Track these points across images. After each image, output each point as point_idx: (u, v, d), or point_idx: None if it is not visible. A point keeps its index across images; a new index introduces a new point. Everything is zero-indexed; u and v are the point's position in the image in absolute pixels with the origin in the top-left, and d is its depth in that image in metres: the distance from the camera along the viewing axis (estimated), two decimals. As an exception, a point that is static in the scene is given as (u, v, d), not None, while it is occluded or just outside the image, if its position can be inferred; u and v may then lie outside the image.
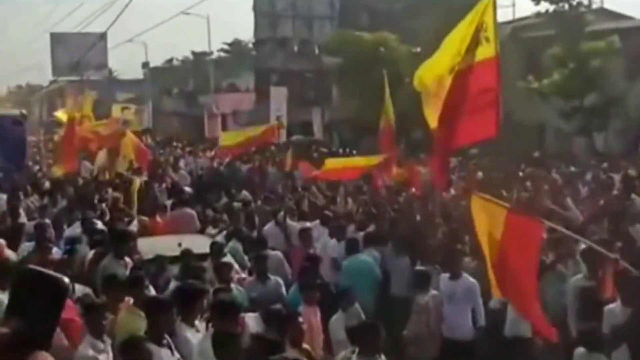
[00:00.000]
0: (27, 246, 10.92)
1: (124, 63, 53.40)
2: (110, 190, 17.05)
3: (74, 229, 12.05)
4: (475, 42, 9.27)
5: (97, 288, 8.20)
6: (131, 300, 7.16)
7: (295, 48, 44.71)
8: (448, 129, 9.60)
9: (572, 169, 20.88)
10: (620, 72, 28.66)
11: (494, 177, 18.80)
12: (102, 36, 44.64)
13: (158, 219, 14.15)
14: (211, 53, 50.59)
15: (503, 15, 37.59)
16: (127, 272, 8.54)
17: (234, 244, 11.42)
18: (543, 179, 17.03)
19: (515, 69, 26.14)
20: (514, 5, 37.13)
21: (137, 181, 16.77)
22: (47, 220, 12.58)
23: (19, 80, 58.01)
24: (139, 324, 6.38)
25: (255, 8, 45.54)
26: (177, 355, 6.18)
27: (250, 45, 49.34)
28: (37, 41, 47.59)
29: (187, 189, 18.91)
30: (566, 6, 30.69)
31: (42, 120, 44.25)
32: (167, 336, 6.18)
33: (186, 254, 9.57)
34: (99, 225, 12.21)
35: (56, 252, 10.01)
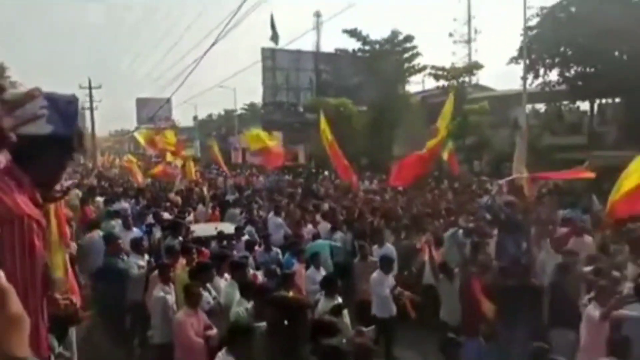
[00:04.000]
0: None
1: (183, 116, 54.28)
2: (172, 195, 16.58)
3: (150, 219, 11.68)
4: None
5: (162, 256, 8.18)
6: (184, 261, 7.26)
7: (290, 108, 45.17)
8: None
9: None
10: (488, 124, 29.13)
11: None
12: (168, 100, 45.33)
13: (217, 212, 13.77)
14: (236, 110, 50.38)
15: (415, 87, 38.33)
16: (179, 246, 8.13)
17: (249, 228, 11.06)
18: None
19: (424, 123, 26.56)
20: (423, 82, 37.42)
21: (201, 189, 17.09)
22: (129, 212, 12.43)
23: (115, 127, 58.28)
24: (186, 277, 6.39)
25: (263, 82, 45.57)
26: (213, 293, 6.22)
27: (260, 106, 49.59)
28: (127, 102, 47.75)
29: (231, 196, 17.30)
30: (455, 82, 31.39)
31: (130, 150, 44.60)
32: (208, 284, 6.26)
33: (220, 234, 9.50)
34: (166, 216, 11.90)
35: (138, 232, 9.84)
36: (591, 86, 27.25)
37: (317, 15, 45.82)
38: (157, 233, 10.32)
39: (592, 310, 5.69)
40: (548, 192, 15.68)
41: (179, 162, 20.08)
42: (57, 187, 2.69)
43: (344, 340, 4.09)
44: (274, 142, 16.41)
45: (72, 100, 1.23)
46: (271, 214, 12.59)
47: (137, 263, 7.85)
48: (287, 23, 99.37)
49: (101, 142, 39.79)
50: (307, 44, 46.63)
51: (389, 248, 8.89)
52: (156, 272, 6.86)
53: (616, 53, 25.03)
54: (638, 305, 5.46)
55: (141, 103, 50.85)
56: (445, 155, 16.13)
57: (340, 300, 6.13)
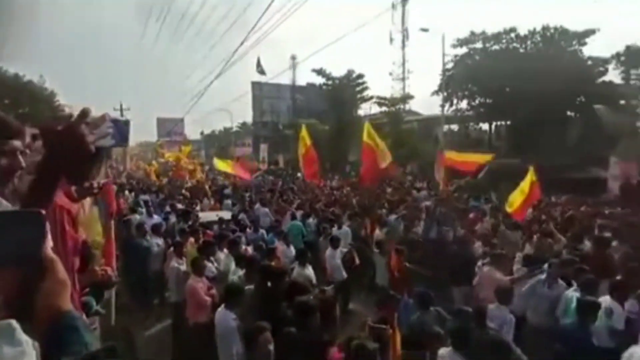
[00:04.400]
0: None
1: (192, 131, 53.17)
2: (183, 190, 16.17)
3: (167, 209, 11.47)
4: None
5: (175, 236, 7.75)
6: (193, 240, 7.05)
7: (273, 126, 44.97)
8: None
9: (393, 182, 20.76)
10: (416, 139, 28.97)
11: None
12: (181, 120, 44.71)
13: (217, 204, 13.44)
14: (232, 128, 50.24)
15: (364, 112, 38.45)
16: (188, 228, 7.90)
17: (242, 215, 10.61)
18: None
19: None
20: (370, 108, 37.55)
21: (204, 186, 16.92)
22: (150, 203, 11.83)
23: (140, 139, 56.61)
24: (195, 252, 6.20)
25: (253, 107, 45.53)
26: (215, 264, 6.02)
27: (251, 125, 49.20)
28: (148, 120, 46.17)
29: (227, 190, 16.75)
30: (393, 109, 31.73)
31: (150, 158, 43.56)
32: (211, 257, 6.05)
33: (220, 219, 9.19)
34: (179, 206, 11.53)
35: (157, 219, 9.43)
36: (490, 112, 28.06)
37: (293, 58, 46.37)
38: (173, 219, 10.08)
39: (488, 271, 5.72)
40: (460, 188, 16.00)
41: (190, 166, 19.78)
42: (95, 184, 2.64)
43: (312, 297, 4.07)
44: (230, 166, 16.06)
45: (127, 122, 1.29)
46: (258, 204, 12.35)
47: (157, 242, 7.75)
48: (271, 63, 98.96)
49: (130, 150, 38.65)
50: (285, 79, 46.50)
51: (345, 229, 8.78)
52: (172, 248, 6.76)
53: (507, 89, 25.73)
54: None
55: (160, 121, 49.89)
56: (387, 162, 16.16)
57: (310, 268, 6.05)
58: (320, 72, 38.87)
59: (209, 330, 4.25)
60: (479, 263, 6.21)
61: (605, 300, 4.39)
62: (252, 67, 40.48)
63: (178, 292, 5.94)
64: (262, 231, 9.20)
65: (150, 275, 7.51)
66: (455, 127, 32.51)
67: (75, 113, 1.05)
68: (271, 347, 3.19)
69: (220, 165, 16.24)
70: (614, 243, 6.32)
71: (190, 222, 8.96)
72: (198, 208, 12.08)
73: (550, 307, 4.90)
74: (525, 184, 7.28)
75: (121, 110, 36.46)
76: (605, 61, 25.88)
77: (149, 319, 6.97)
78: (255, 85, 43.97)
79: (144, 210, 10.55)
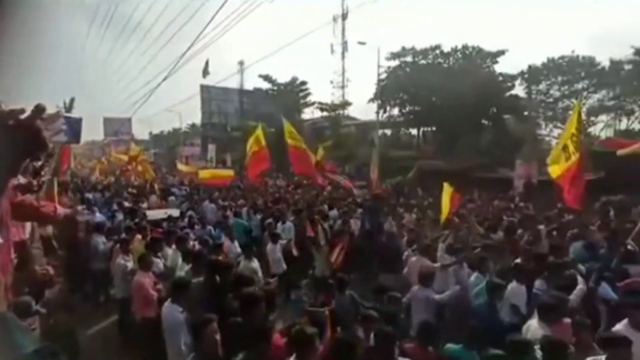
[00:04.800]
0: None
1: (139, 132, 50.03)
2: (130, 189, 15.35)
3: (115, 206, 10.71)
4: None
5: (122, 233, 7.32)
6: (139, 236, 6.76)
7: (221, 128, 43.78)
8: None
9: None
10: (354, 142, 29.37)
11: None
12: (129, 120, 42.13)
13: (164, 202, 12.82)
14: (181, 129, 48.09)
15: (307, 116, 38.59)
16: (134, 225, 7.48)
17: (190, 212, 10.16)
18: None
19: (313, 141, 26.47)
20: (312, 112, 37.76)
21: (152, 184, 16.02)
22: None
23: (86, 138, 51.81)
24: (142, 248, 5.91)
25: (202, 109, 44.21)
26: (162, 260, 5.81)
27: (200, 126, 47.60)
28: (94, 119, 42.61)
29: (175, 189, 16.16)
30: (334, 114, 32.24)
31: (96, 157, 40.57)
32: (159, 253, 5.83)
33: (169, 216, 8.87)
34: (126, 204, 11.01)
35: (100, 217, 8.99)
36: (418, 119, 29.36)
37: (241, 63, 45.34)
38: (120, 217, 9.57)
39: (416, 260, 5.89)
40: (393, 185, 16.58)
41: (140, 168, 18.72)
42: (35, 182, 2.45)
43: (257, 288, 4.03)
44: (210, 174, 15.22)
45: (79, 120, 1.20)
46: (206, 202, 12.04)
47: (102, 241, 7.28)
48: (220, 67, 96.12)
49: (75, 148, 35.73)
50: (233, 83, 45.51)
51: (289, 225, 8.64)
52: (118, 245, 6.42)
53: (433, 99, 27.08)
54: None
55: (107, 121, 46.35)
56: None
57: (256, 261, 5.95)
58: (266, 77, 38.70)
59: (157, 325, 4.08)
60: (406, 253, 6.44)
61: (512, 283, 4.69)
62: (200, 70, 39.03)
63: (124, 288, 5.63)
64: (210, 227, 8.95)
65: (96, 273, 7.06)
66: (388, 131, 33.58)
67: (8, 109, 0.96)
68: (218, 337, 3.12)
69: (203, 175, 14.91)
70: (519, 231, 6.86)
71: (137, 220, 8.53)
72: (145, 205, 11.54)
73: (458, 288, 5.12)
74: (446, 197, 7.53)
75: (66, 108, 33.68)
76: (512, 78, 28.13)
77: (94, 317, 6.56)
78: (204, 88, 42.72)
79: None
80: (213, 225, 9.10)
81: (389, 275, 6.29)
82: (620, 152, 5.61)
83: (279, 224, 8.66)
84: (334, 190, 15.90)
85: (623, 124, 28.14)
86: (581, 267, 5.21)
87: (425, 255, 5.98)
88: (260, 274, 5.79)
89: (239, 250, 6.84)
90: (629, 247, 5.11)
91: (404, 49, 29.29)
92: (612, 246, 5.55)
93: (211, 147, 33.89)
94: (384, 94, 28.87)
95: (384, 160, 15.54)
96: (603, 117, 28.66)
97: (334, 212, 9.94)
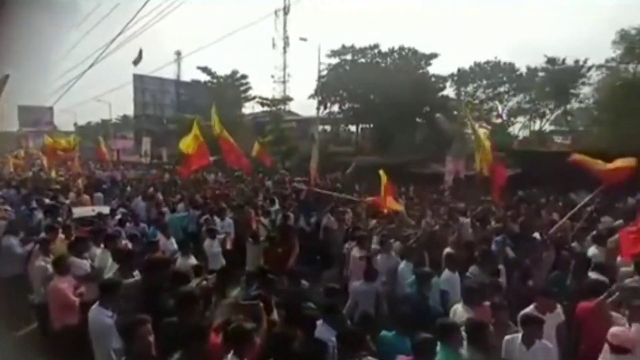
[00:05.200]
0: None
1: (63, 123, 45.35)
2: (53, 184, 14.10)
3: (33, 204, 9.80)
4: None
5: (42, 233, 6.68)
6: (62, 236, 6.42)
7: (156, 120, 41.48)
8: None
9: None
10: (295, 137, 29.00)
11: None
12: (50, 109, 38.28)
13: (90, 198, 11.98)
14: (111, 120, 44.74)
15: (248, 110, 37.96)
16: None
17: (122, 209, 9.66)
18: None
19: (253, 135, 26.03)
20: (253, 107, 37.20)
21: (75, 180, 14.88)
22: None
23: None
24: (64, 247, 5.69)
25: (134, 100, 41.59)
26: (89, 261, 5.47)
27: (132, 117, 44.75)
28: (11, 110, 37.49)
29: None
30: (274, 109, 31.96)
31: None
32: (85, 254, 5.50)
33: (98, 214, 8.47)
34: (47, 201, 10.14)
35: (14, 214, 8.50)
36: (357, 116, 30.07)
37: (178, 53, 43.66)
38: (39, 215, 8.82)
39: (356, 252, 6.13)
40: (331, 181, 16.84)
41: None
42: None
43: (194, 286, 3.93)
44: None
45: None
46: (139, 198, 11.43)
47: (15, 242, 6.49)
48: (154, 56, 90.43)
49: (-17, 141, 31.69)
50: (170, 74, 43.26)
51: (228, 220, 8.53)
52: (38, 246, 5.88)
53: (371, 96, 27.88)
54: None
55: (23, 109, 41.50)
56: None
57: (193, 258, 5.85)
58: (205, 69, 37.33)
59: (81, 332, 3.81)
60: (347, 245, 6.61)
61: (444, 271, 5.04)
62: (132, 59, 36.59)
63: (45, 293, 5.08)
64: (143, 225, 8.56)
65: (11, 279, 6.23)
66: (328, 127, 34.09)
67: None
68: (151, 338, 2.97)
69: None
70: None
71: (60, 218, 8.07)
72: (68, 201, 10.78)
73: (388, 277, 5.57)
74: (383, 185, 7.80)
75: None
76: (444, 79, 29.89)
77: (13, 324, 5.92)
78: (137, 77, 40.00)
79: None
80: (147, 223, 8.73)
81: (332, 270, 6.49)
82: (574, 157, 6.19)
83: (219, 220, 8.48)
84: (275, 185, 15.89)
85: (537, 125, 31.26)
86: (510, 253, 5.88)
87: (362, 246, 6.16)
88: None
89: (175, 247, 6.65)
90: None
91: (344, 47, 29.77)
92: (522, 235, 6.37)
93: (145, 140, 31.93)
94: (324, 90, 29.19)
95: (323, 156, 15.74)
96: (521, 119, 31.63)
97: (273, 209, 9.91)
